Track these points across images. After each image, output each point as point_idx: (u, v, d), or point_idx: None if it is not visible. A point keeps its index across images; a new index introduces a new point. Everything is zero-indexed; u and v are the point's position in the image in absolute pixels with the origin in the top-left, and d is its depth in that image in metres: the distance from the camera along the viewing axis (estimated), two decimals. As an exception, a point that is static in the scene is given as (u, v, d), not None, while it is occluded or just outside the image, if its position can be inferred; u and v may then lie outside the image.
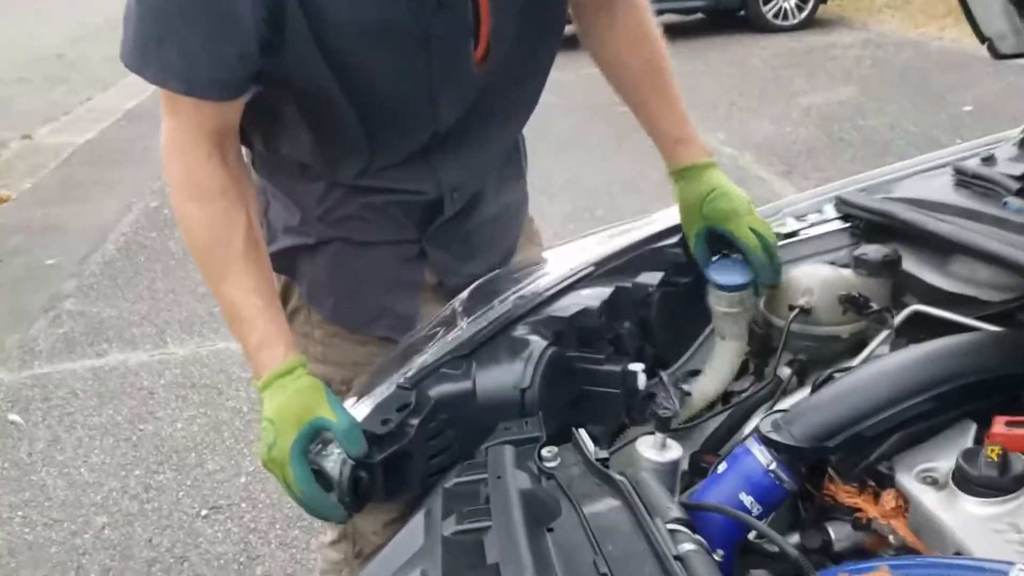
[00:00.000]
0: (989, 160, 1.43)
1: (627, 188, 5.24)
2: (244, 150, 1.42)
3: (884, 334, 1.35)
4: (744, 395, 1.44)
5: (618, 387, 1.26)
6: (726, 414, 1.45)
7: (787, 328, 1.34)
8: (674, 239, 1.45)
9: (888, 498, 1.02)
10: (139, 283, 4.72)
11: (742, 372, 1.50)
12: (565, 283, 1.34)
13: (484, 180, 1.53)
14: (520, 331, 1.27)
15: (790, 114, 6.67)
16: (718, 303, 1.38)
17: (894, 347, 1.34)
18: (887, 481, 1.03)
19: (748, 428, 1.37)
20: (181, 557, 2.67)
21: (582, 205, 5.10)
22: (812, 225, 1.55)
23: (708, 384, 1.44)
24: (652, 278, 1.37)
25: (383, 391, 1.25)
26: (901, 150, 5.29)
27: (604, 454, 1.17)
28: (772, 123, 6.51)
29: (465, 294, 1.44)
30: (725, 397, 1.48)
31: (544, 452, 1.13)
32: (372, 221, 1.46)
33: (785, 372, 1.41)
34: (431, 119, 1.34)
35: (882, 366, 1.11)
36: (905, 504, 1.01)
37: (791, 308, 1.36)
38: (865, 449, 1.05)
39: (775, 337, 1.42)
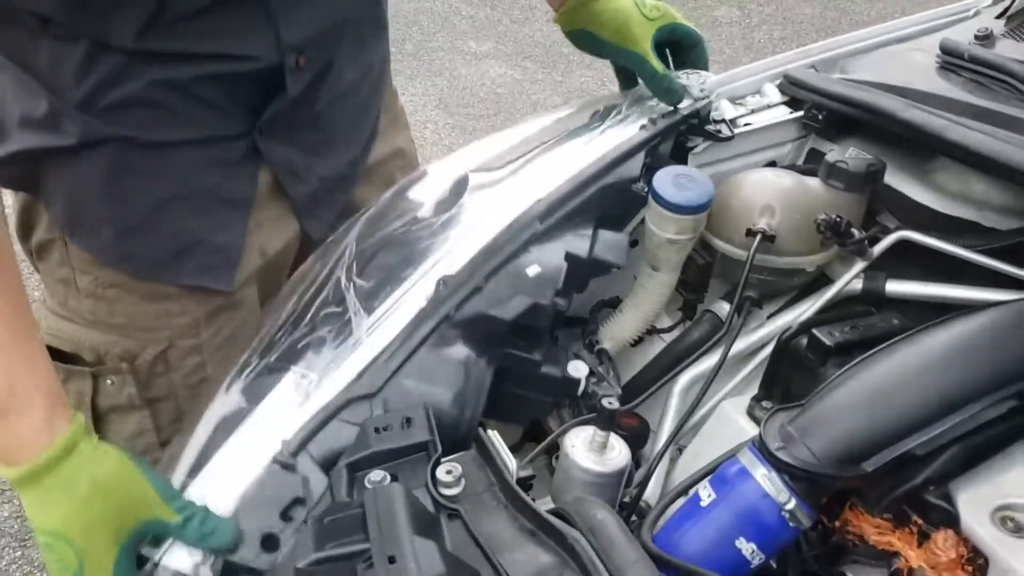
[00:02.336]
0: (986, 39, 1.11)
1: (438, 20, 4.68)
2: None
3: (858, 267, 1.04)
4: (672, 337, 1.11)
5: (555, 395, 0.89)
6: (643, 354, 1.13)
7: (749, 261, 0.99)
8: (635, 166, 1.03)
9: (944, 543, 0.72)
10: None
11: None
12: (501, 254, 0.90)
13: (341, 38, 1.04)
14: (446, 341, 0.85)
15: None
16: (663, 227, 1.00)
17: (868, 283, 1.03)
18: (938, 515, 0.73)
19: (680, 383, 1.05)
20: None
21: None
22: (752, 112, 1.19)
23: (628, 326, 1.09)
24: (616, 252, 0.96)
25: (243, 451, 0.78)
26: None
27: (527, 471, 0.81)
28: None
29: (350, 249, 0.96)
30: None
31: (441, 473, 0.75)
32: (172, 109, 0.94)
33: (723, 308, 1.08)
34: None
35: (929, 348, 0.79)
36: (970, 553, 0.71)
37: (749, 233, 1.01)
38: (907, 469, 0.74)
39: (718, 266, 1.08)
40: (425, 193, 1.04)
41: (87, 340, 1.04)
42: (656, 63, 1.10)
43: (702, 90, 1.12)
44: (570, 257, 0.92)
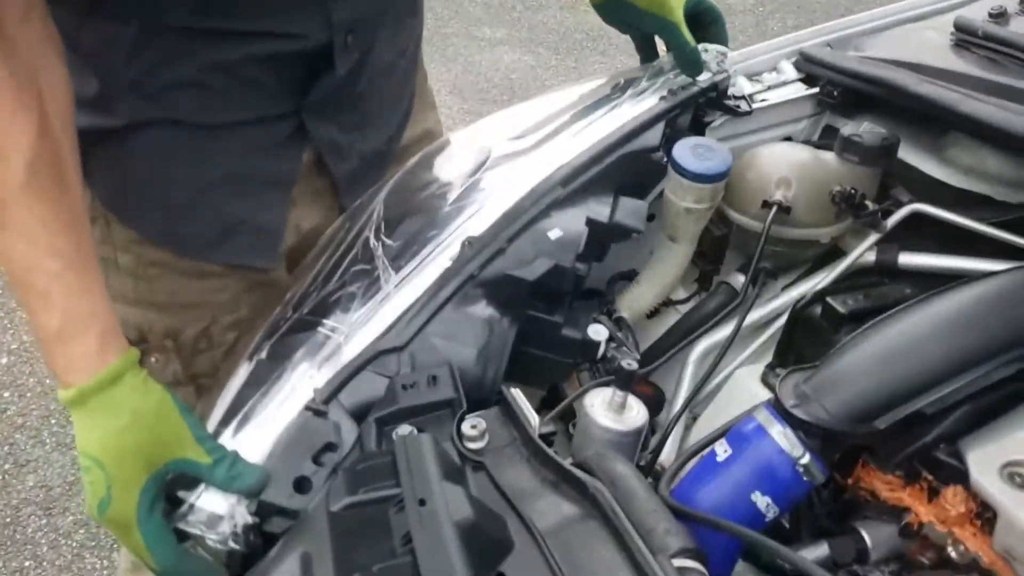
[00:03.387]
0: (1000, 17, 1.13)
1: (452, 6, 4.70)
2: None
3: (871, 239, 1.06)
4: (689, 306, 1.14)
5: (574, 358, 0.92)
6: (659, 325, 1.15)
7: (765, 232, 1.02)
8: (655, 136, 1.06)
9: (953, 498, 0.74)
10: None
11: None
12: (524, 217, 0.92)
13: (383, 16, 1.05)
14: (470, 299, 0.88)
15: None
16: (682, 196, 1.02)
17: (881, 254, 1.06)
18: (948, 472, 0.76)
19: (695, 352, 1.07)
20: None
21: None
22: (769, 88, 1.21)
23: (644, 297, 1.11)
24: (636, 217, 0.98)
25: (276, 400, 0.82)
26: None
27: (549, 427, 0.83)
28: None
29: (378, 211, 0.98)
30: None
31: (466, 427, 0.78)
32: (222, 91, 0.95)
33: (738, 280, 1.11)
34: None
35: (941, 311, 0.81)
36: (978, 508, 0.74)
37: (765, 204, 1.03)
38: (918, 428, 0.77)
39: (734, 238, 1.10)
40: (450, 161, 1.07)
41: (130, 318, 1.05)
42: (687, 34, 1.13)
43: (719, 64, 1.15)
44: (591, 222, 0.94)
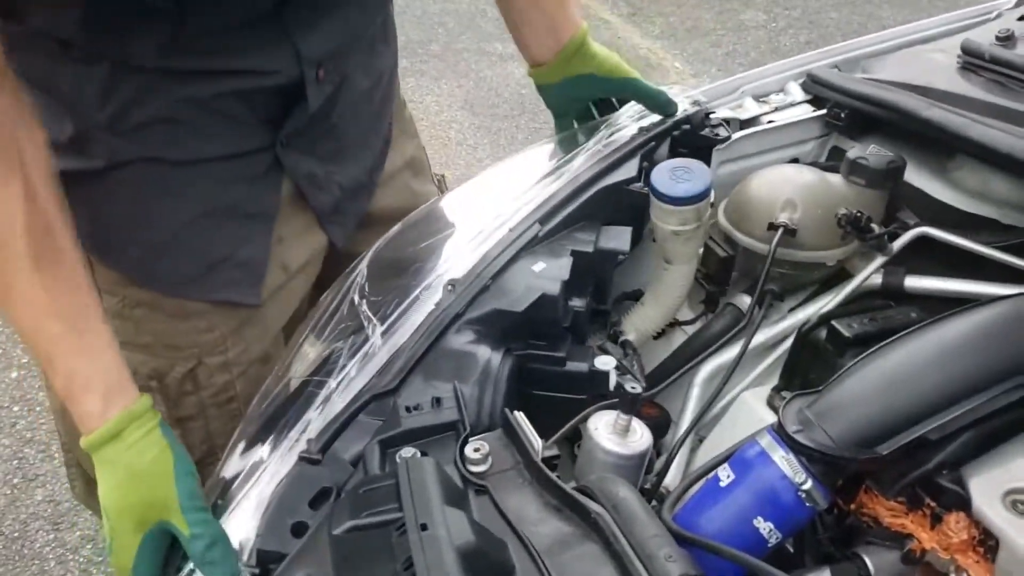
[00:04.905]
0: (1007, 40, 1.13)
1: (464, 21, 4.72)
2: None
3: (877, 261, 1.06)
4: (694, 328, 1.14)
5: (585, 392, 0.91)
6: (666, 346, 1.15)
7: (771, 254, 1.02)
8: (632, 168, 1.06)
9: (956, 525, 0.74)
10: None
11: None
12: (505, 256, 0.94)
13: (354, 48, 1.05)
14: (459, 337, 0.88)
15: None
16: (665, 220, 1.02)
17: (888, 277, 1.05)
18: (951, 499, 0.75)
19: (701, 373, 1.07)
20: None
21: (415, 38, 4.55)
22: (776, 109, 1.22)
23: (650, 319, 1.11)
24: (620, 240, 0.99)
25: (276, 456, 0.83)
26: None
27: (552, 450, 0.83)
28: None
29: (362, 271, 1.00)
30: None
31: (469, 450, 0.78)
32: (195, 126, 0.94)
33: (744, 301, 1.10)
34: None
35: (944, 337, 0.81)
36: (981, 535, 0.73)
37: (771, 227, 1.03)
38: (921, 454, 0.76)
39: (740, 260, 1.10)
40: (432, 226, 1.09)
41: None
42: (649, 83, 1.16)
43: (688, 100, 1.17)
44: (576, 253, 0.95)
